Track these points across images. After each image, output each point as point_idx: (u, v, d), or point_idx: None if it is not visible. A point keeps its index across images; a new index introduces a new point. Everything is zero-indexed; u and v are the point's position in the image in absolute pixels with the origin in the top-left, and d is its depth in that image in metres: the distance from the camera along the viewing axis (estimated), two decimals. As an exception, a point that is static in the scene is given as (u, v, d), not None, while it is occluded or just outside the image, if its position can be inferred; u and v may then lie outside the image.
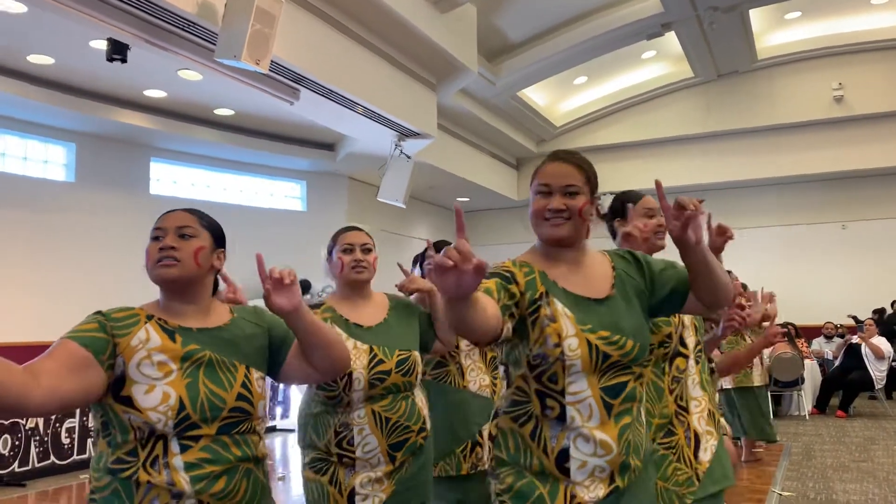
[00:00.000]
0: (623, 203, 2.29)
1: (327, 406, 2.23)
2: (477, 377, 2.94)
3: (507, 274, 1.59)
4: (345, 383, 2.18)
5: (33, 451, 5.96)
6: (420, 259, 3.20)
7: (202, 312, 1.61)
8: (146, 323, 1.54)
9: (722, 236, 2.16)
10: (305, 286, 8.06)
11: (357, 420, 2.20)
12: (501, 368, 1.70)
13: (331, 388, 2.20)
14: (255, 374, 1.61)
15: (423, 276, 3.12)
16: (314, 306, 2.36)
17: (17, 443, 5.84)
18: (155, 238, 1.61)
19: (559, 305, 1.59)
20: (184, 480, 1.46)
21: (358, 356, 2.21)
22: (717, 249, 2.16)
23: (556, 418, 1.57)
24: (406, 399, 2.29)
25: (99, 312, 1.55)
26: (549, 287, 1.61)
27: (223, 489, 1.50)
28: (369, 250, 2.38)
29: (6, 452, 5.77)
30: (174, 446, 1.47)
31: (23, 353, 7.20)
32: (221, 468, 1.50)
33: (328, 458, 2.23)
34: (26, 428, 5.93)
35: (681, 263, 1.72)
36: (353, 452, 2.20)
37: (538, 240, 1.70)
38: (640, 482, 1.66)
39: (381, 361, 2.24)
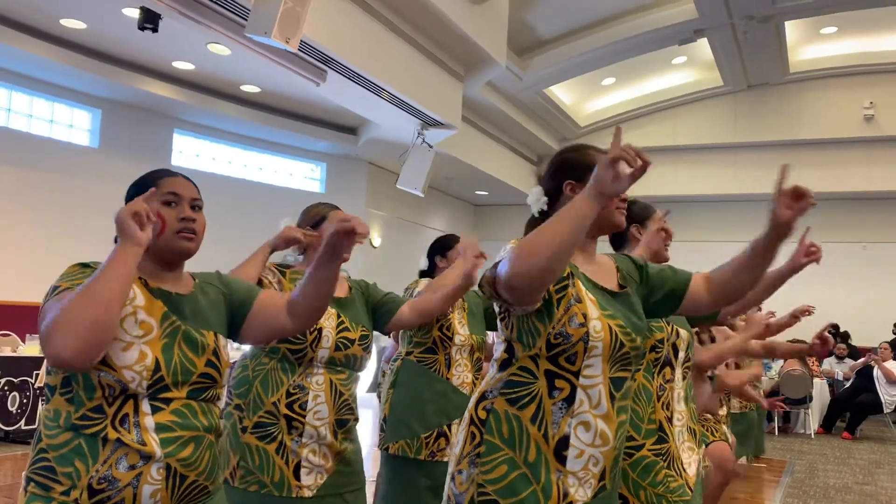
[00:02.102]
0: (643, 210, 2.38)
1: (283, 363, 2.21)
2: (461, 373, 2.94)
3: None
4: (313, 338, 2.20)
5: (41, 409, 6.02)
6: (435, 250, 3.18)
7: (176, 279, 1.61)
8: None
9: (810, 256, 2.10)
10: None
11: (315, 385, 2.21)
12: (501, 347, 1.63)
13: (298, 341, 2.19)
14: (222, 341, 1.62)
15: (433, 267, 3.13)
16: (284, 267, 2.40)
17: (24, 401, 5.91)
18: (168, 203, 1.55)
19: (583, 288, 1.61)
20: (154, 442, 1.43)
21: (327, 317, 2.25)
22: (795, 269, 2.11)
23: (563, 400, 1.54)
24: (356, 381, 2.36)
25: (85, 265, 1.50)
26: (574, 270, 1.63)
27: (189, 456, 1.47)
28: None
29: (14, 410, 5.84)
30: (145, 406, 1.44)
31: (27, 312, 7.28)
32: (190, 434, 1.48)
33: (275, 421, 2.17)
34: (35, 387, 5.99)
35: (680, 269, 1.78)
36: (304, 417, 2.18)
37: None
38: (614, 492, 1.65)
39: (347, 329, 2.28)
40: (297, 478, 2.17)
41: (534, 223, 1.73)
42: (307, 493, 2.18)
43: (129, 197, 1.59)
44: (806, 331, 10.45)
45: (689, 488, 2.08)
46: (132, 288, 1.48)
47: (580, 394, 1.55)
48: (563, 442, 1.53)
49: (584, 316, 1.55)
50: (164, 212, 1.54)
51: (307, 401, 2.20)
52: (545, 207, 1.72)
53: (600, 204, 1.42)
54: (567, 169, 1.71)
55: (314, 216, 2.42)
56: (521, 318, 1.57)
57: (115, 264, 1.36)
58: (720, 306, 1.81)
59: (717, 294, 1.74)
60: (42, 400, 6.00)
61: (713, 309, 1.82)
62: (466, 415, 1.64)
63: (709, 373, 3.29)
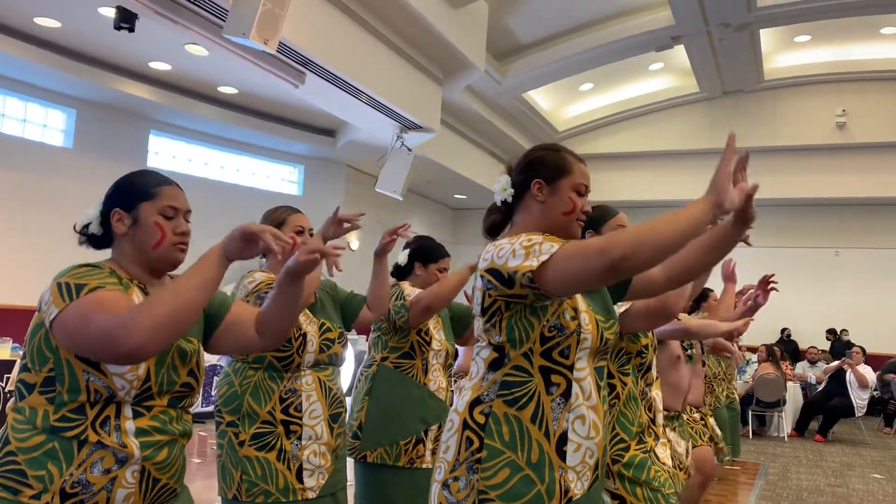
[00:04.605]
0: (600, 216, 2.32)
1: (270, 372, 2.23)
2: (437, 378, 2.91)
3: None
4: (299, 344, 2.23)
5: (9, 406, 5.92)
6: (420, 256, 3.13)
7: (164, 286, 1.60)
8: (133, 286, 1.52)
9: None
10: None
11: (306, 386, 2.24)
12: (486, 351, 1.60)
13: (284, 349, 2.22)
14: (201, 350, 1.63)
15: (409, 270, 3.08)
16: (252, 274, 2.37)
17: (-6, 406, 5.81)
18: (168, 217, 1.56)
19: None
20: (134, 445, 1.43)
21: (309, 321, 2.29)
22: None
23: (561, 395, 1.54)
24: (339, 375, 2.40)
25: (97, 266, 1.49)
26: None
27: (165, 459, 1.49)
28: (311, 235, 2.44)
29: (-17, 414, 5.74)
30: (127, 411, 1.45)
31: (9, 316, 7.12)
32: (167, 438, 1.49)
33: (272, 429, 2.19)
34: (6, 391, 5.89)
35: None
36: (301, 419, 2.21)
37: (540, 230, 1.68)
38: (602, 482, 1.68)
39: (328, 329, 2.34)
40: (301, 480, 2.19)
41: (494, 212, 1.76)
42: (311, 495, 2.21)
43: (118, 195, 1.56)
44: (778, 336, 10.51)
45: (670, 478, 2.16)
46: (135, 296, 1.49)
47: (575, 387, 1.56)
48: (563, 438, 1.54)
49: (575, 310, 1.57)
50: (164, 224, 1.54)
51: (301, 402, 2.23)
52: (509, 199, 1.72)
53: (714, 216, 1.45)
54: (539, 167, 1.70)
55: (273, 221, 2.40)
56: (512, 316, 1.56)
57: (207, 273, 1.42)
58: (676, 284, 1.85)
59: (674, 272, 1.80)
60: (11, 396, 5.89)
61: (667, 288, 1.86)
62: (457, 419, 1.59)
63: (689, 352, 3.32)
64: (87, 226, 1.59)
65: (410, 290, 2.85)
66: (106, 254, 1.62)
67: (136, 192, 1.56)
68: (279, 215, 2.41)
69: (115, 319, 1.34)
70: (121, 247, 1.56)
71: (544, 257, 1.48)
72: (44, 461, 1.39)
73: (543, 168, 1.70)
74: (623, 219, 2.32)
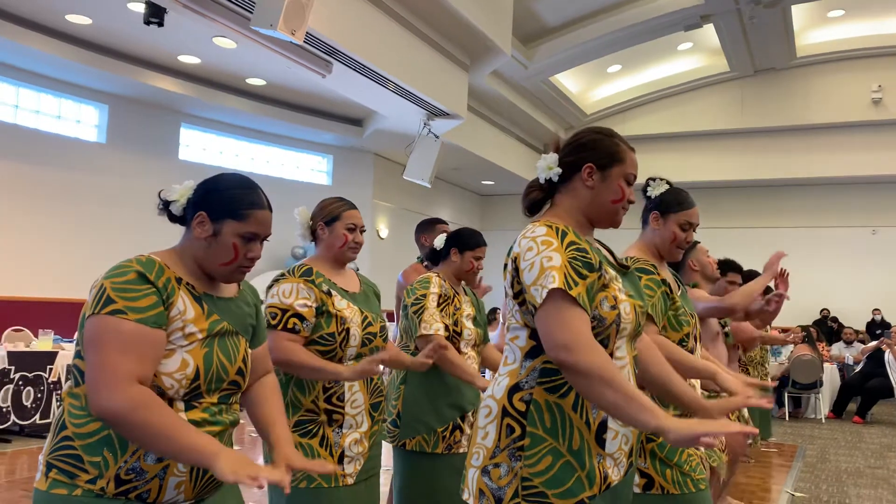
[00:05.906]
0: (674, 202, 2.27)
1: None
2: (470, 365, 2.90)
3: (587, 257, 1.55)
4: (342, 338, 2.26)
5: (55, 404, 6.08)
6: (457, 243, 3.09)
7: (219, 283, 1.63)
8: (179, 289, 1.51)
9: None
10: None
11: None
12: (524, 334, 1.57)
13: (328, 342, 2.25)
14: (248, 349, 1.64)
15: (445, 255, 3.07)
16: (299, 269, 2.35)
17: (39, 395, 5.96)
18: (247, 239, 1.55)
19: (612, 271, 1.61)
20: None
21: (353, 315, 2.31)
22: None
23: None
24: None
25: (144, 277, 1.45)
26: (597, 253, 1.60)
27: None
28: (363, 232, 2.45)
29: (28, 404, 5.89)
30: (179, 405, 1.48)
31: (39, 308, 7.26)
32: (218, 429, 1.53)
33: (315, 417, 2.23)
34: (49, 382, 6.04)
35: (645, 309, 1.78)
36: (343, 408, 2.27)
37: (583, 215, 1.66)
38: (635, 467, 1.67)
39: (370, 323, 2.35)
40: (341, 467, 2.25)
41: (535, 189, 1.70)
42: (349, 481, 2.26)
43: (210, 201, 1.55)
44: (814, 317, 10.38)
45: (702, 463, 2.14)
46: (182, 300, 1.50)
47: None
48: (603, 426, 1.54)
49: (615, 298, 1.55)
50: (240, 248, 1.54)
51: (344, 392, 2.28)
52: (555, 179, 1.66)
53: (661, 435, 1.40)
54: (592, 151, 1.65)
55: (328, 213, 2.42)
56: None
57: (195, 456, 1.36)
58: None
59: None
60: (68, 380, 6.03)
61: None
62: (495, 406, 1.57)
63: (725, 329, 3.29)
64: (170, 201, 1.58)
65: (429, 319, 2.82)
66: (171, 230, 1.62)
67: (227, 207, 1.55)
68: (334, 209, 2.41)
69: (108, 373, 1.36)
70: (191, 243, 1.56)
71: (545, 292, 1.47)
72: (99, 448, 1.42)
73: (597, 153, 1.65)
74: (695, 215, 2.26)
